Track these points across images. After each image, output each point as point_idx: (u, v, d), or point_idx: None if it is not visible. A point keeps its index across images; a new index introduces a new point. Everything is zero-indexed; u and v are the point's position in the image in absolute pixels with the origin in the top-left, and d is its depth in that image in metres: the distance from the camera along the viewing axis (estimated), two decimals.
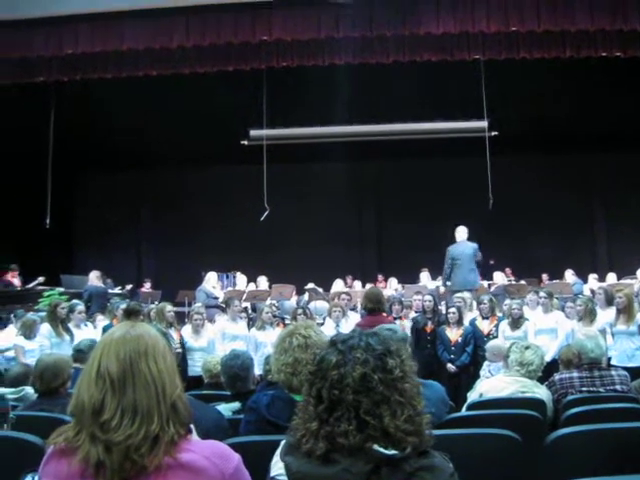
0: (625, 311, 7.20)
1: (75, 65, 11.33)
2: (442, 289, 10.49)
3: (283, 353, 2.98)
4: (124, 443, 1.60)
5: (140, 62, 11.28)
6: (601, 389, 4.46)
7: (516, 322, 7.85)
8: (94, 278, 10.84)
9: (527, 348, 4.60)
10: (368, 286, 13.56)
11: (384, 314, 6.95)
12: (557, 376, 4.68)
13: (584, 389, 4.47)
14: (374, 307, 6.52)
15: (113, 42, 10.63)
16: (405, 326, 8.59)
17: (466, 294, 9.41)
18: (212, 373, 5.44)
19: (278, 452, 1.83)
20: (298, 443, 1.74)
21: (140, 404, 1.66)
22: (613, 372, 4.62)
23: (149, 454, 1.61)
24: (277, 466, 1.80)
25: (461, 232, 10.35)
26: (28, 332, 7.42)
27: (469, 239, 10.39)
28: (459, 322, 8.11)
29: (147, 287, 15.23)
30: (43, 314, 8.15)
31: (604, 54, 10.91)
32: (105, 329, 7.82)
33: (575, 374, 4.59)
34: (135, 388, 1.67)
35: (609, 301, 7.72)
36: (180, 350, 7.31)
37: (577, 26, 10.24)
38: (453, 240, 10.40)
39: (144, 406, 1.66)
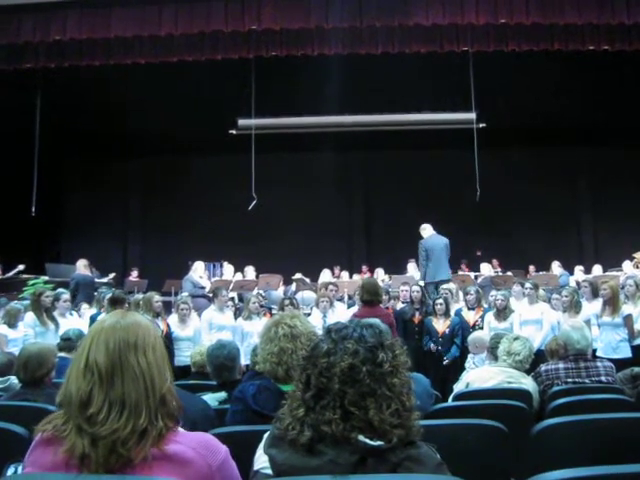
0: (610, 303, 7.24)
1: (63, 52, 11.22)
2: (421, 283, 10.39)
3: (269, 342, 2.98)
4: (110, 437, 1.59)
5: (128, 50, 11.19)
6: (586, 380, 4.48)
7: (501, 313, 7.87)
8: (81, 267, 10.74)
9: (516, 339, 4.62)
10: (355, 276, 13.60)
11: (381, 305, 6.97)
12: (543, 367, 4.70)
13: (570, 380, 4.49)
14: (371, 299, 6.53)
15: (101, 29, 10.54)
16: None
17: (452, 285, 9.45)
18: (195, 361, 5.41)
19: (261, 445, 1.82)
20: (284, 432, 1.73)
21: (128, 398, 1.64)
22: (599, 363, 4.65)
23: (136, 447, 1.60)
24: (261, 459, 1.79)
25: (428, 229, 10.39)
26: (12, 321, 7.37)
27: (449, 234, 10.45)
28: (446, 313, 8.09)
29: (134, 276, 15.15)
30: (27, 303, 8.10)
31: (592, 47, 10.94)
32: (93, 318, 7.80)
33: (561, 365, 4.61)
34: (124, 381, 1.66)
35: (595, 293, 7.79)
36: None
37: (565, 19, 10.27)
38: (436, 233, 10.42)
39: (132, 400, 1.64)
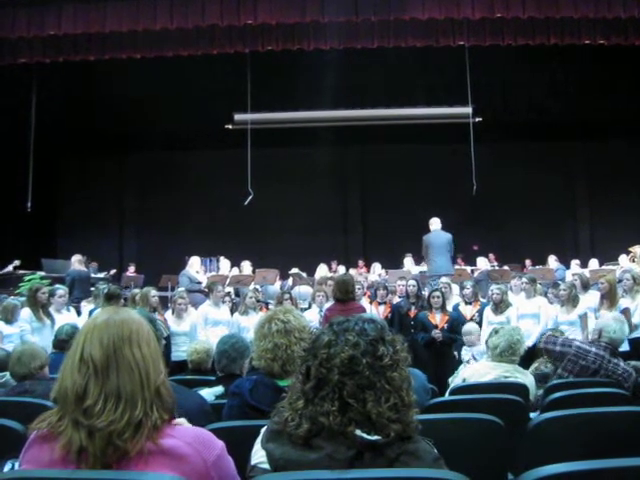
0: (607, 296, 7.27)
1: (57, 47, 11.18)
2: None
3: (263, 339, 2.98)
4: (107, 429, 1.60)
5: (123, 44, 11.16)
6: (601, 371, 4.42)
7: (498, 307, 7.83)
8: (76, 262, 10.72)
9: (497, 332, 4.57)
10: (352, 271, 13.59)
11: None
12: (577, 342, 4.66)
13: (593, 366, 4.40)
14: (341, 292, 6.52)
15: (96, 24, 10.49)
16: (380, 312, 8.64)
17: (447, 279, 9.46)
18: (193, 359, 5.38)
19: (259, 440, 1.82)
20: (283, 425, 1.74)
21: (124, 389, 1.65)
22: (621, 364, 4.55)
23: (132, 439, 1.61)
24: (258, 454, 1.79)
25: (435, 223, 10.60)
26: (9, 316, 7.34)
27: (445, 229, 10.60)
28: (443, 307, 7.88)
29: (131, 271, 15.11)
30: (24, 298, 8.07)
31: (588, 42, 10.94)
32: (92, 313, 7.77)
33: (593, 349, 4.54)
34: (119, 374, 1.66)
35: (584, 286, 7.84)
36: (165, 335, 7.18)
37: (561, 13, 10.27)
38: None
39: (128, 392, 1.65)
